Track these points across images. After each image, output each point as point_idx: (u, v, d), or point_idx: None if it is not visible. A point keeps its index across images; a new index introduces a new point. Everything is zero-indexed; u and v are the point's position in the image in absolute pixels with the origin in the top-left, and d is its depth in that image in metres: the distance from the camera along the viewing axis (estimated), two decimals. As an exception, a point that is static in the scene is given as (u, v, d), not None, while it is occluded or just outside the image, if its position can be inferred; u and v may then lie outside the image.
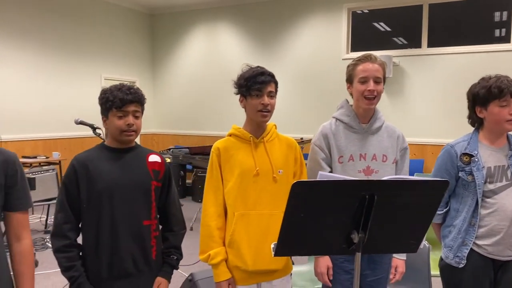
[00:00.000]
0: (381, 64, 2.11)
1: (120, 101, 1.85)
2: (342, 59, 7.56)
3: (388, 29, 7.84)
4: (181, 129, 9.46)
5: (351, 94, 2.19)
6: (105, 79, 8.82)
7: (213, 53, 9.15)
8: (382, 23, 7.82)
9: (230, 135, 2.07)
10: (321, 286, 2.92)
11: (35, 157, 6.86)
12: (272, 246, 1.54)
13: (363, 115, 2.17)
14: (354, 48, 7.68)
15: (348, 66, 2.18)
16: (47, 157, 7.04)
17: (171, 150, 7.01)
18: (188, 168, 8.28)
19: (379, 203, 1.38)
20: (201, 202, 2.23)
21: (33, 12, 7.43)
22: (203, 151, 8.61)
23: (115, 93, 1.86)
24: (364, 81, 2.08)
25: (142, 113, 1.97)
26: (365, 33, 7.83)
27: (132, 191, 1.91)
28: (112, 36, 8.94)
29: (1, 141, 6.82)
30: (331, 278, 2.13)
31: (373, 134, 2.16)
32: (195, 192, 7.92)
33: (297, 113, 8.12)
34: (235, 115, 8.53)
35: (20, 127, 7.18)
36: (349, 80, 2.17)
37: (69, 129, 7.98)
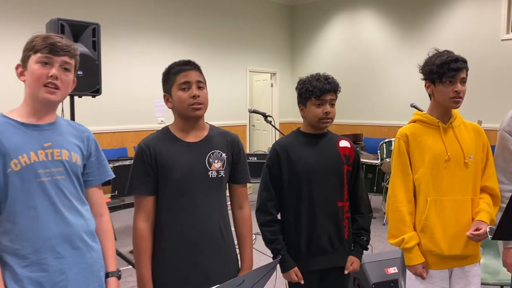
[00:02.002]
0: None
1: (319, 90, 1.99)
2: (501, 40, 6.89)
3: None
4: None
5: None
6: (249, 71, 9.30)
7: (353, 42, 9.06)
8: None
9: (414, 121, 2.08)
10: (502, 279, 2.79)
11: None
12: (488, 229, 1.54)
13: None
14: (513, 28, 6.98)
15: None
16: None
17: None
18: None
19: None
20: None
21: (185, 10, 8.13)
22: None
23: (313, 83, 2.01)
24: None
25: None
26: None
27: (328, 174, 2.05)
28: (255, 30, 9.38)
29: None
30: None
31: None
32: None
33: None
34: (374, 104, 8.39)
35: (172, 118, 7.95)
36: None
37: (217, 119, 8.60)
